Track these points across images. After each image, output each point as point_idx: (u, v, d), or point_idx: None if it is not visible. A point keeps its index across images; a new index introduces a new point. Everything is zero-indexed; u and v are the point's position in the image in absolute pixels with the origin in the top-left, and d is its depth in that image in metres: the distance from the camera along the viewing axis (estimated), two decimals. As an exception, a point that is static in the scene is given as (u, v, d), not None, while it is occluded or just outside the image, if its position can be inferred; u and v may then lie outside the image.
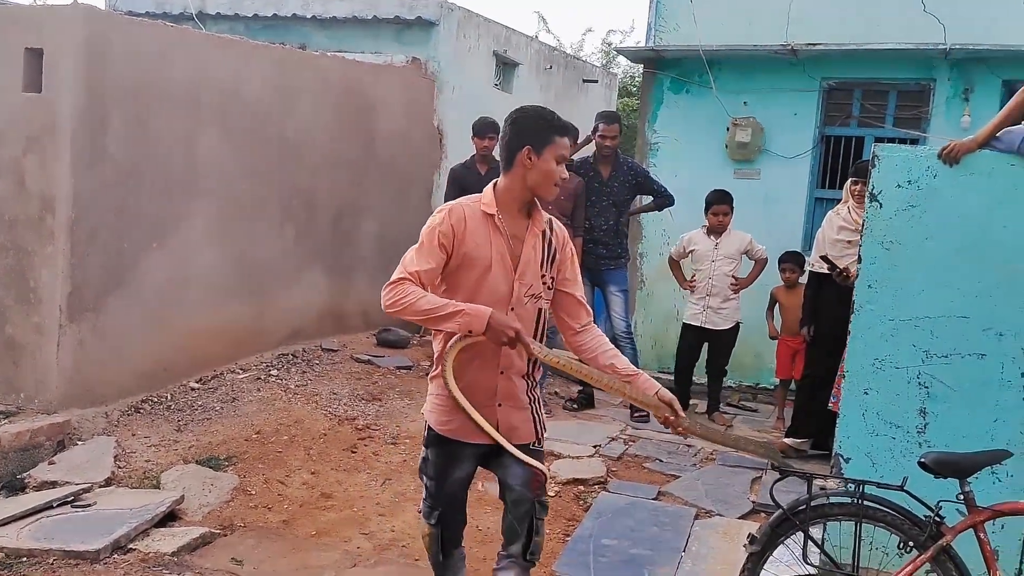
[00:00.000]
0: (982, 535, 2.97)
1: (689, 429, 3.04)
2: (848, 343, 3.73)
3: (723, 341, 6.73)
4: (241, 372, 6.36)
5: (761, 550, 3.16)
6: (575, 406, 6.70)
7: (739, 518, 4.67)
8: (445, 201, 6.74)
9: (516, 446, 2.90)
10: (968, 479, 3.01)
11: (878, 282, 3.66)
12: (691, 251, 6.78)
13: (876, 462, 3.64)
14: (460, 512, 3.12)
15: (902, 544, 3.04)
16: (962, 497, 3.01)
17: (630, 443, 5.88)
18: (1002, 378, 3.50)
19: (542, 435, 3.04)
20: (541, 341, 2.97)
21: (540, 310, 2.95)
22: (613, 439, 5.90)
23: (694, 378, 6.98)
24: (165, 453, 5.01)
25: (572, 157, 6.76)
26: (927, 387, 3.59)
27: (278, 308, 7.06)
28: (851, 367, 3.70)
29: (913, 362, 3.61)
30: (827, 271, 5.62)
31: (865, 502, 3.07)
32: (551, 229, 2.98)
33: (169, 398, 5.70)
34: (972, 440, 3.47)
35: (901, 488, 3.03)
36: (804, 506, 3.12)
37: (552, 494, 4.90)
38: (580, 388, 6.82)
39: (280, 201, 6.98)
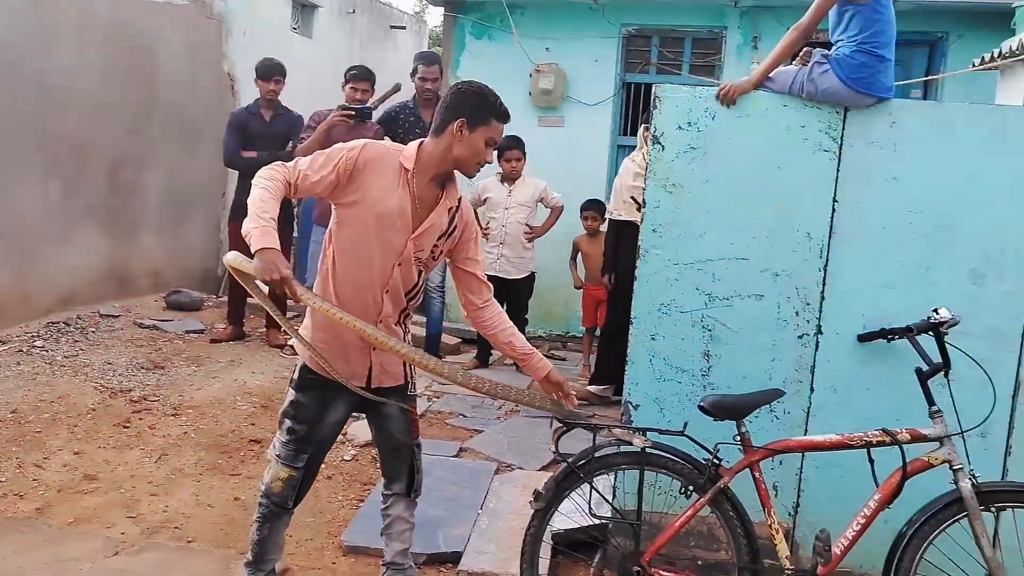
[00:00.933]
0: (757, 474, 2.98)
1: (476, 387, 2.95)
2: (635, 289, 3.67)
3: (518, 291, 6.65)
4: (1, 345, 5.70)
5: (547, 506, 3.05)
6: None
7: (539, 469, 4.60)
8: (224, 149, 6.29)
9: (390, 389, 3.03)
10: (744, 420, 3.00)
11: (662, 226, 3.60)
12: (485, 199, 6.63)
13: (664, 408, 3.62)
14: (321, 459, 3.09)
15: (683, 488, 3.01)
16: (738, 438, 3.00)
17: (434, 399, 5.72)
18: (778, 318, 3.53)
19: (413, 377, 3.13)
20: (415, 300, 3.04)
21: (420, 272, 2.98)
22: (419, 395, 5.69)
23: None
24: (-100, 441, 4.39)
25: (381, 106, 6.42)
26: (710, 330, 3.58)
27: (44, 272, 6.39)
28: (638, 313, 3.64)
29: (697, 305, 3.59)
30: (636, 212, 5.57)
31: (648, 449, 3.02)
32: (458, 208, 2.99)
33: (-89, 378, 5.02)
34: (752, 381, 3.49)
35: (682, 433, 2.99)
36: (588, 458, 3.03)
37: (348, 458, 4.66)
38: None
39: (41, 152, 6.28)
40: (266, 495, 3.02)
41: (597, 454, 3.03)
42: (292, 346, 6.36)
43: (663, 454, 3.01)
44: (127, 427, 4.77)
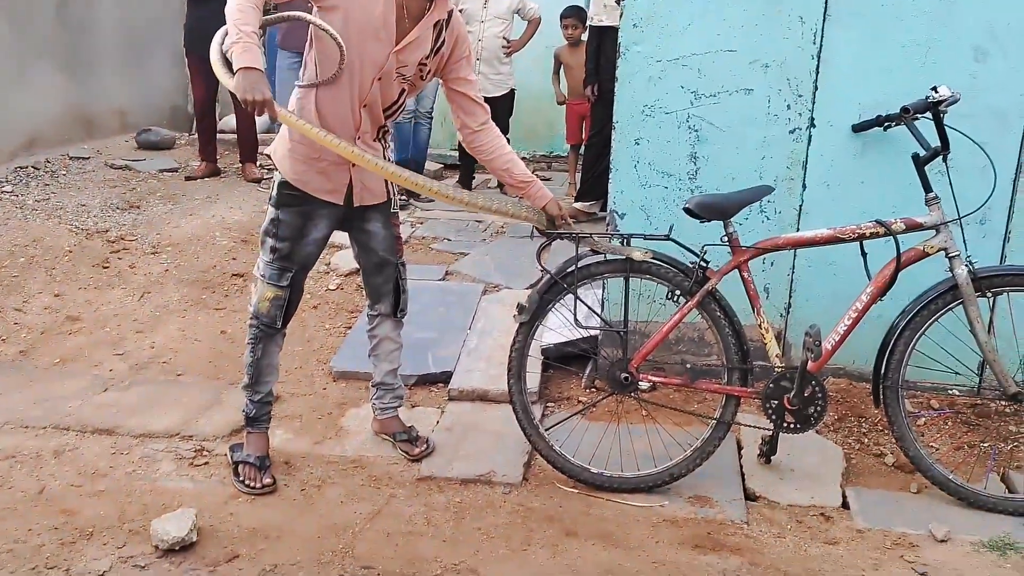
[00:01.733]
0: (745, 274, 2.89)
1: (455, 198, 2.86)
2: (616, 91, 3.47)
3: (497, 109, 6.34)
4: (-32, 192, 5.51)
5: (531, 319, 2.98)
6: None
7: (527, 288, 4.53)
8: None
9: (373, 207, 2.95)
10: (732, 220, 2.88)
11: (643, 20, 3.36)
12: (461, 10, 6.25)
13: (650, 214, 3.50)
14: (305, 277, 3.00)
15: (670, 294, 2.93)
16: (726, 239, 2.90)
17: (417, 225, 5.60)
18: (769, 112, 3.35)
19: (395, 194, 3.03)
20: (394, 116, 2.90)
21: (403, 90, 2.82)
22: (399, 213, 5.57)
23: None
24: None
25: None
26: (697, 130, 3.41)
27: (2, 115, 6.10)
28: (620, 116, 3.46)
29: (682, 105, 3.40)
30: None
31: (632, 255, 2.91)
32: (448, 22, 2.80)
33: None
34: (742, 181, 3.35)
35: (667, 237, 2.88)
36: (571, 268, 2.93)
37: (333, 287, 4.59)
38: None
39: (-19, -13, 5.85)
40: (255, 316, 2.94)
41: (581, 263, 2.93)
42: (269, 178, 6.18)
43: (648, 260, 2.91)
44: (107, 267, 4.67)
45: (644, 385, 3.12)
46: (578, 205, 5.86)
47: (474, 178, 6.75)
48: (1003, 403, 3.19)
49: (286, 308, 2.92)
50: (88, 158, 6.49)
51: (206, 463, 3.05)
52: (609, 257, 2.94)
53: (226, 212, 5.54)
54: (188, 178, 6.30)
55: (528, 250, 5.08)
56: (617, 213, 3.52)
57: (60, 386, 3.55)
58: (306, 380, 3.71)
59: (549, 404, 3.55)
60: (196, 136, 6.89)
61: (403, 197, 6.26)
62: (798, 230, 3.41)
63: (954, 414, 3.34)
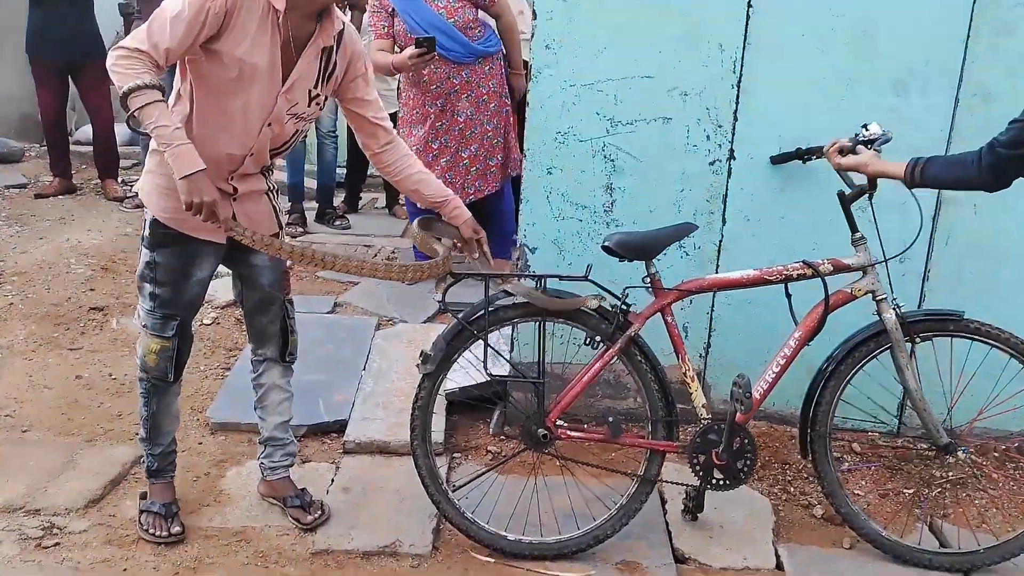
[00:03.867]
0: (669, 318, 2.68)
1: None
2: (528, 116, 3.22)
3: None
4: None
5: (436, 369, 2.67)
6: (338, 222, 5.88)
7: (424, 322, 4.22)
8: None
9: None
10: (654, 259, 2.67)
11: (556, 41, 3.11)
12: None
13: (564, 249, 3.25)
14: (192, 321, 2.70)
15: (588, 340, 2.69)
16: (648, 280, 2.68)
17: (300, 250, 5.17)
18: (688, 143, 3.17)
19: (283, 225, 2.75)
20: (283, 153, 2.64)
21: (297, 131, 2.58)
22: (281, 248, 5.15)
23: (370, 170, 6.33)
24: None
25: None
26: (613, 160, 3.19)
27: None
28: (531, 143, 3.21)
29: (597, 132, 3.17)
30: None
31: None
32: (338, 43, 2.51)
33: None
34: (660, 215, 3.16)
35: (585, 278, 2.63)
36: (481, 312, 2.65)
37: (208, 322, 4.15)
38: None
39: None
40: (143, 369, 2.63)
41: (492, 307, 2.65)
42: (132, 197, 5.65)
43: (602, 309, 2.66)
44: (-62, 302, 4.09)
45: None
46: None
47: (360, 198, 6.38)
48: (926, 449, 3.09)
49: (176, 359, 2.61)
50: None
51: (57, 544, 2.60)
52: (520, 300, 2.67)
53: (82, 235, 5.00)
54: (38, 196, 5.71)
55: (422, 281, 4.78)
56: (528, 247, 3.26)
57: None
58: (180, 433, 3.27)
59: (455, 455, 3.24)
60: (45, 147, 6.27)
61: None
62: (717, 267, 3.24)
63: (878, 462, 3.23)
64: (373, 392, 3.53)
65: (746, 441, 2.67)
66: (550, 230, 3.25)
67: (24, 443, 3.12)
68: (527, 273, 2.93)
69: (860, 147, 2.64)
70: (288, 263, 2.74)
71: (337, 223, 5.77)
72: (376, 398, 3.48)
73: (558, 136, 3.19)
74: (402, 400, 3.43)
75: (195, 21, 2.23)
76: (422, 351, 2.68)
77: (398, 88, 5.20)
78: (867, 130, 2.68)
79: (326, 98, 2.56)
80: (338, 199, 6.25)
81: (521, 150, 4.68)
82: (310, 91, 2.47)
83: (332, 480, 3.02)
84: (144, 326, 2.58)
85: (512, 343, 3.27)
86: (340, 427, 3.31)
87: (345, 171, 6.25)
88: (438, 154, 4.48)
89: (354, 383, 3.59)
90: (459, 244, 2.68)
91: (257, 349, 2.81)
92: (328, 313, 4.28)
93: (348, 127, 6.02)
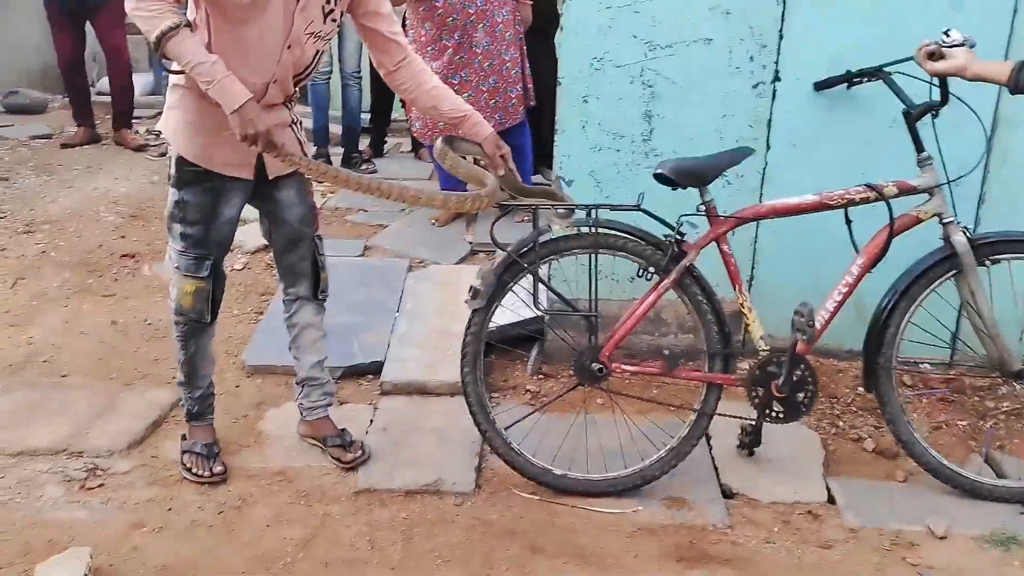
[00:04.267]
0: (724, 247, 2.58)
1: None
2: (561, 42, 3.09)
3: None
4: None
5: (487, 303, 2.60)
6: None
7: (456, 263, 4.15)
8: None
9: (287, 176, 2.54)
10: (708, 186, 2.56)
11: (591, -38, 2.98)
12: None
13: (601, 181, 3.15)
14: (224, 259, 2.63)
15: (642, 272, 2.60)
16: (703, 208, 2.57)
17: (329, 195, 5.10)
18: (730, 65, 3.03)
19: (307, 152, 2.63)
20: (304, 79, 2.50)
21: (318, 52, 2.42)
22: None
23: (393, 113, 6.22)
24: None
25: None
26: (651, 86, 3.07)
27: None
28: (565, 72, 3.09)
29: (635, 57, 3.04)
30: None
31: (599, 229, 2.57)
32: None
33: None
34: (701, 143, 3.03)
35: (637, 208, 2.54)
36: (531, 245, 2.56)
37: (240, 267, 4.10)
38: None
39: None
40: (178, 312, 2.57)
41: (542, 238, 2.57)
42: (156, 146, 5.58)
43: (619, 233, 2.57)
44: (-30, 252, 4.06)
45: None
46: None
47: (386, 142, 6.27)
48: (996, 377, 2.97)
49: (212, 298, 2.54)
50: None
51: (101, 485, 2.58)
52: (569, 231, 2.58)
53: (110, 184, 4.96)
54: (64, 145, 5.65)
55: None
56: (564, 180, 3.16)
57: (-85, 396, 3.00)
58: (216, 377, 3.23)
59: (493, 394, 3.18)
60: (68, 100, 6.19)
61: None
62: (761, 195, 3.13)
63: (932, 393, 3.13)
64: (407, 333, 3.47)
65: (807, 372, 2.57)
66: (587, 162, 3.14)
67: (64, 387, 3.10)
68: (577, 203, 2.83)
69: (955, 50, 2.42)
70: (314, 200, 2.67)
71: (363, 167, 5.68)
72: (411, 339, 3.42)
73: (593, 62, 3.06)
74: (437, 340, 3.38)
75: None
76: (471, 286, 2.60)
77: (403, 24, 5.05)
78: (948, 36, 2.48)
79: (342, 13, 2.42)
80: (363, 144, 6.15)
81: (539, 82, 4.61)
82: (323, 7, 2.34)
83: (371, 421, 2.97)
84: (177, 267, 2.51)
85: (548, 278, 3.18)
86: (376, 368, 3.26)
87: (370, 115, 6.14)
88: (458, 89, 4.32)
89: (388, 324, 3.53)
90: (483, 161, 2.56)
91: (288, 288, 2.74)
92: (358, 256, 4.21)
93: (372, 70, 5.98)
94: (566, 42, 3.06)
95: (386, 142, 6.30)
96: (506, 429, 2.68)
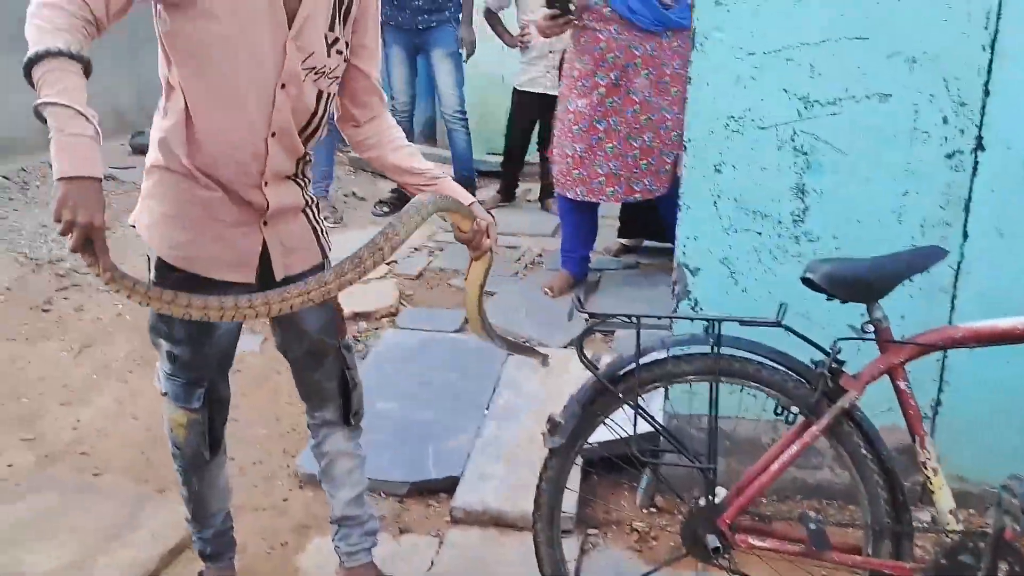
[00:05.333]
0: (902, 383, 1.86)
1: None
2: (689, 96, 2.46)
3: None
4: (-81, 209, 4.68)
5: (569, 441, 1.99)
6: (386, 209, 5.31)
7: (566, 346, 3.54)
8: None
9: (300, 275, 1.91)
10: (879, 299, 1.86)
11: (731, -5, 2.34)
12: None
13: (736, 271, 2.48)
14: (225, 380, 2.10)
15: (781, 410, 1.93)
16: (871, 328, 1.86)
17: (436, 253, 4.61)
18: (915, 127, 2.31)
19: (328, 252, 2.04)
20: (316, 136, 1.89)
21: (322, 93, 1.85)
22: (415, 249, 4.62)
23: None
24: None
25: None
26: (806, 153, 2.38)
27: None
28: (693, 133, 2.45)
29: (785, 116, 2.37)
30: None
31: (724, 350, 1.91)
32: None
33: None
34: (871, 227, 2.34)
35: (778, 323, 1.86)
36: (631, 367, 1.94)
37: (323, 337, 3.63)
38: (393, 187, 5.38)
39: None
40: (174, 444, 2.07)
41: (645, 359, 1.94)
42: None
43: (750, 356, 1.91)
44: (47, 311, 3.78)
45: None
46: (624, 241, 4.77)
47: (518, 185, 5.75)
48: None
49: (209, 432, 2.04)
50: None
51: (89, 639, 2.12)
52: (688, 351, 1.94)
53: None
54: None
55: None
56: (688, 268, 2.51)
57: (-63, 490, 2.66)
58: (264, 484, 2.77)
59: (590, 532, 2.55)
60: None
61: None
62: (953, 298, 2.38)
63: None
64: (495, 439, 2.88)
65: (1019, 569, 1.82)
66: (718, 246, 2.48)
67: (90, 490, 2.68)
68: (692, 315, 2.19)
69: None
70: (339, 303, 2.08)
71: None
72: (497, 447, 2.83)
73: (730, 122, 2.41)
74: (528, 452, 2.77)
75: None
76: (550, 418, 2.01)
77: (560, 62, 4.51)
78: None
79: (347, 44, 1.85)
80: (489, 189, 5.67)
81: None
82: (326, 36, 1.79)
83: (432, 562, 2.40)
84: (164, 393, 2.02)
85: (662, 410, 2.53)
86: (450, 485, 2.69)
87: (503, 155, 5.65)
88: (603, 137, 3.80)
89: (473, 425, 2.97)
90: (461, 235, 1.93)
91: (312, 411, 2.18)
92: (454, 332, 3.68)
93: (511, 111, 5.47)
94: (695, 96, 2.42)
95: (518, 186, 5.79)
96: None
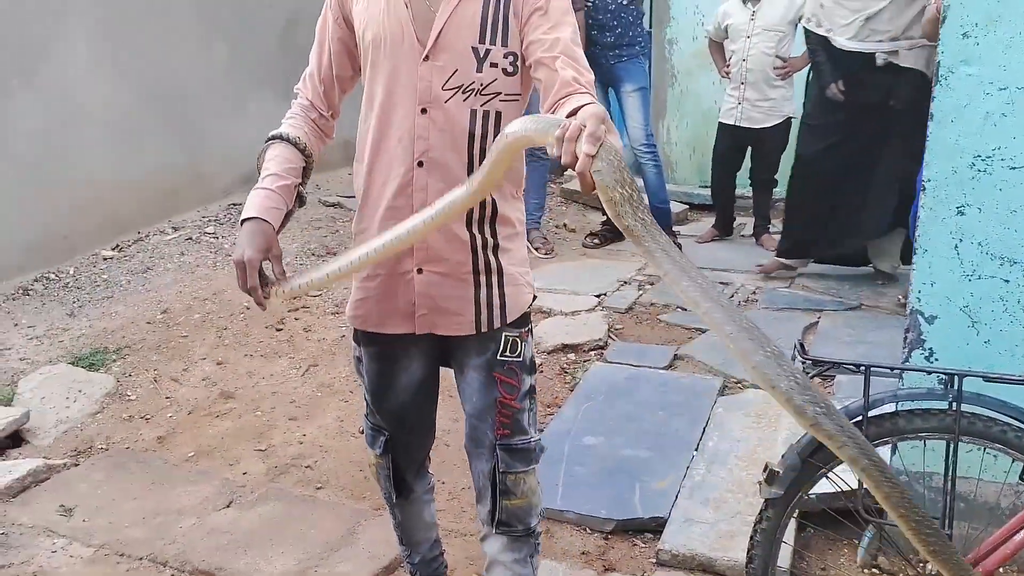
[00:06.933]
0: None
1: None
2: (930, 133, 2.31)
3: (766, 142, 5.23)
4: (172, 232, 5.21)
5: (787, 493, 1.91)
6: (596, 242, 5.35)
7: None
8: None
9: (464, 342, 1.83)
10: None
11: (979, 25, 2.18)
12: (727, 25, 5.19)
13: (978, 321, 2.29)
14: (419, 431, 2.03)
15: (1028, 477, 1.76)
16: None
17: (646, 287, 4.58)
18: None
19: (504, 319, 1.81)
20: (474, 163, 1.70)
21: (475, 113, 1.70)
22: (624, 283, 4.61)
23: (739, 190, 5.58)
24: (48, 347, 3.94)
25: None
26: (1065, 194, 2.18)
27: (219, 149, 5.81)
28: (934, 172, 2.29)
29: (1042, 155, 2.18)
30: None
31: (965, 407, 1.78)
32: None
33: (71, 273, 4.61)
34: None
35: (1025, 382, 1.71)
36: (859, 419, 1.84)
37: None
38: (604, 219, 5.40)
39: (199, 9, 5.58)
40: (376, 477, 2.12)
41: (872, 412, 1.83)
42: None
43: (995, 416, 1.76)
44: (280, 330, 4.09)
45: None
46: (785, 260, 4.62)
47: (734, 219, 5.63)
48: None
49: (394, 477, 2.03)
50: (307, 194, 6.09)
51: (311, 644, 2.25)
52: (925, 406, 1.81)
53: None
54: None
55: (787, 327, 3.96)
56: (923, 315, 2.35)
57: (181, 493, 2.91)
58: (472, 510, 2.82)
59: (805, 588, 2.43)
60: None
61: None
62: None
63: None
64: (703, 482, 2.81)
65: None
66: (958, 293, 2.31)
67: (312, 504, 2.86)
68: (929, 367, 2.05)
69: None
70: (506, 394, 1.82)
71: None
72: (706, 491, 2.76)
73: (976, 161, 2.24)
74: (738, 499, 2.69)
75: (322, 27, 1.85)
76: (767, 466, 1.94)
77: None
78: None
79: (516, 57, 1.69)
80: (699, 224, 5.58)
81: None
82: (475, 48, 1.68)
83: (637, 605, 2.37)
84: (360, 430, 2.08)
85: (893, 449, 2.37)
86: (657, 526, 2.64)
87: (711, 187, 5.58)
88: None
89: (682, 466, 2.91)
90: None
91: (478, 498, 1.96)
92: (664, 369, 3.62)
93: (716, 144, 5.41)
94: (936, 134, 2.27)
95: (734, 219, 5.67)
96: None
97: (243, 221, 1.72)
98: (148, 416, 3.42)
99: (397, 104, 1.72)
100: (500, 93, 1.71)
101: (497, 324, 1.81)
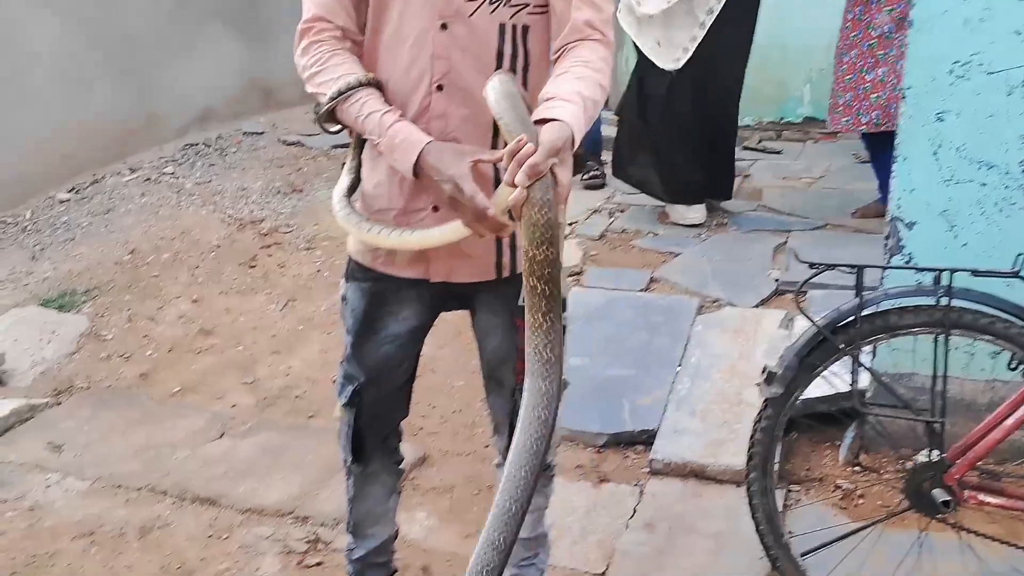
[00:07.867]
0: None
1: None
2: (908, 43, 2.36)
3: None
4: (129, 173, 5.09)
5: (785, 392, 1.98)
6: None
7: (756, 305, 3.48)
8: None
9: (480, 288, 1.70)
10: None
11: (961, -69, 2.22)
12: None
13: (956, 224, 2.37)
14: (391, 393, 1.81)
15: (1017, 364, 1.85)
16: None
17: (617, 214, 4.62)
18: None
19: (515, 264, 1.67)
20: (513, 70, 1.57)
21: (504, 27, 1.54)
22: (595, 211, 4.64)
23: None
24: (12, 291, 3.85)
25: None
26: (1040, 98, 2.25)
27: (173, 88, 5.65)
28: (913, 79, 2.35)
29: (1018, 60, 2.24)
30: None
31: (954, 301, 1.85)
32: None
33: (28, 217, 4.50)
34: (1115, 176, 2.18)
35: (1015, 274, 1.79)
36: (853, 317, 1.90)
37: (510, 295, 3.72)
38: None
39: (144, -55, 5.38)
40: (337, 435, 1.90)
41: (866, 310, 1.90)
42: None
43: (982, 308, 1.84)
44: (253, 267, 4.05)
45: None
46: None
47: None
48: None
49: (353, 437, 1.81)
50: (262, 133, 5.96)
51: (319, 564, 2.29)
52: (914, 302, 1.89)
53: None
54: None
55: (757, 248, 4.03)
56: (902, 221, 2.42)
57: (171, 427, 2.91)
58: (465, 431, 2.89)
59: (792, 488, 2.53)
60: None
61: (596, 171, 5.17)
62: None
63: None
64: (689, 395, 2.89)
65: None
66: (937, 198, 2.38)
67: (307, 432, 2.89)
68: (920, 265, 2.12)
69: None
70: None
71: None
72: (692, 404, 2.84)
73: (955, 68, 2.30)
74: (724, 410, 2.77)
75: None
76: (766, 368, 2.00)
77: None
78: None
79: None
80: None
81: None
82: None
83: (633, 511, 2.44)
84: (332, 379, 1.91)
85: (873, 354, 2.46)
86: (647, 439, 2.72)
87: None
88: (845, 69, 3.98)
89: (666, 381, 2.98)
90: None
91: (494, 431, 1.92)
92: (641, 291, 3.68)
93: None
94: (915, 41, 2.32)
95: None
96: (803, 557, 2.03)
97: (415, 157, 1.49)
98: (127, 355, 3.39)
99: (411, 18, 1.54)
100: (529, 4, 1.54)
101: (519, 269, 1.56)
